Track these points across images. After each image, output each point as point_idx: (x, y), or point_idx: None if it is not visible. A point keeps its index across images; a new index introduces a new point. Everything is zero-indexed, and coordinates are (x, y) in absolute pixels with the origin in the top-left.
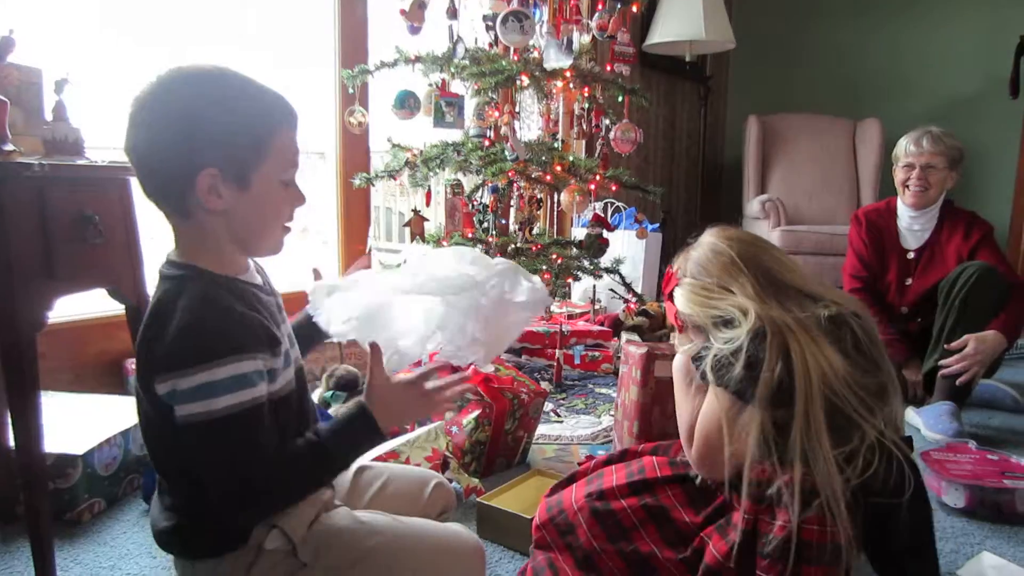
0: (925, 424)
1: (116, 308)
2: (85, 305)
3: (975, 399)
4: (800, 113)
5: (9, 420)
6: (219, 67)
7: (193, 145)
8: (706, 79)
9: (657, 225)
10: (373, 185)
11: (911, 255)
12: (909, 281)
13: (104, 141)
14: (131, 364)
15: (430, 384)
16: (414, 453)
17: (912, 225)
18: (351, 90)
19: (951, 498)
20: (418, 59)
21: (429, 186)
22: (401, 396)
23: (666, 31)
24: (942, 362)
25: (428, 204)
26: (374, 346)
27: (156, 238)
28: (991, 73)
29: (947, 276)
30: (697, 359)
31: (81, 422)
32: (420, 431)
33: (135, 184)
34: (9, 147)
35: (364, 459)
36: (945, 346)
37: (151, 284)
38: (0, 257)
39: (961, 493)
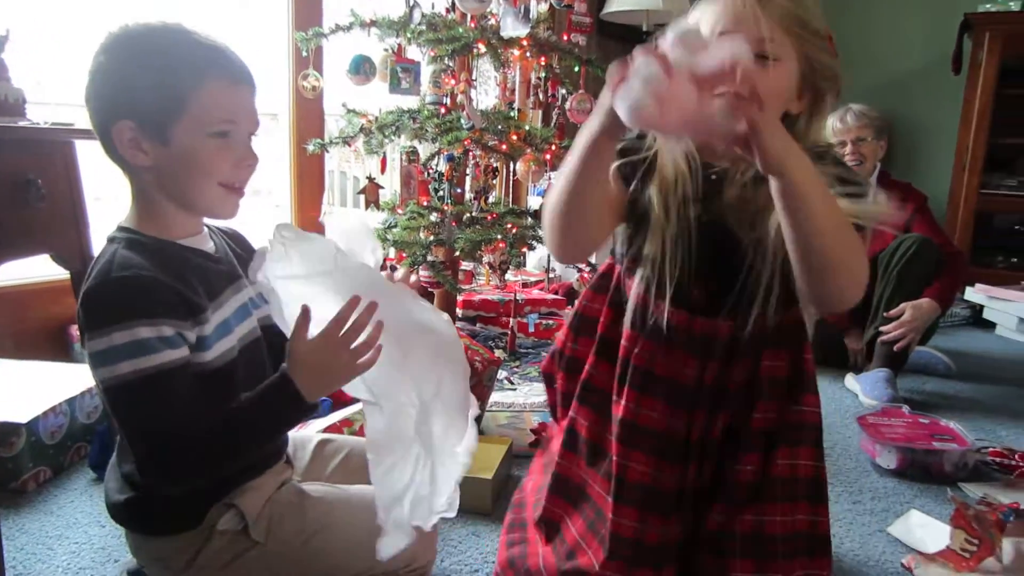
0: (863, 390)
1: (59, 273)
2: (27, 270)
3: (911, 365)
4: None
5: None
6: (164, 22)
7: (110, 98)
8: None
9: None
10: (327, 151)
11: None
12: None
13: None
14: (76, 330)
15: (345, 330)
16: None
17: None
18: (305, 53)
19: (884, 460)
20: (374, 23)
21: (384, 153)
22: (319, 353)
23: (624, 0)
24: (881, 328)
25: (383, 171)
26: (304, 308)
27: (102, 199)
28: (935, 50)
29: (886, 248)
30: None
31: (25, 390)
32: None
33: (80, 146)
34: None
35: (313, 428)
36: (884, 314)
37: (97, 248)
38: None
39: (893, 455)
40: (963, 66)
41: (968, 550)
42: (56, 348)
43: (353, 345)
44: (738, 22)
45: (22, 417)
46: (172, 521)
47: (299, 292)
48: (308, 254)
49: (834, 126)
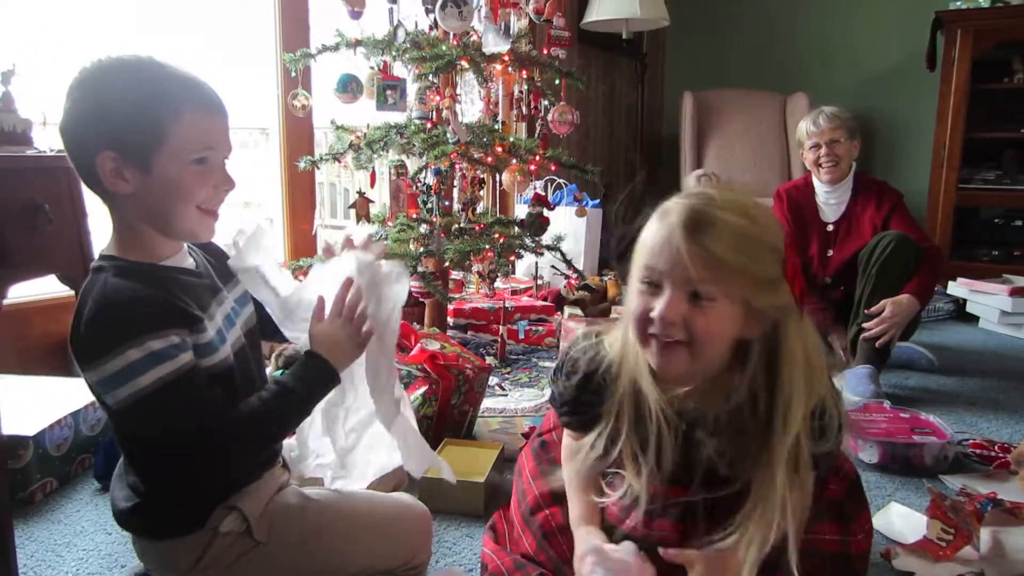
0: (847, 386)
1: (59, 290)
2: (29, 288)
3: (894, 361)
4: (733, 88)
5: None
6: (137, 56)
7: (92, 130)
8: (643, 56)
9: (597, 201)
10: (318, 168)
11: (830, 228)
12: (830, 252)
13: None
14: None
15: (349, 309)
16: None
17: (828, 199)
18: (293, 73)
19: (866, 454)
20: (359, 43)
21: (373, 167)
22: (337, 332)
23: (603, 9)
24: (863, 325)
25: (373, 185)
26: (320, 297)
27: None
28: (910, 47)
29: (865, 246)
30: None
31: (31, 404)
32: None
33: None
34: None
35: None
36: (865, 311)
37: None
38: None
39: (875, 449)
40: (937, 63)
41: (945, 539)
42: (58, 363)
43: (362, 326)
44: (672, 264)
45: (29, 430)
46: (177, 525)
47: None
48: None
49: (807, 129)
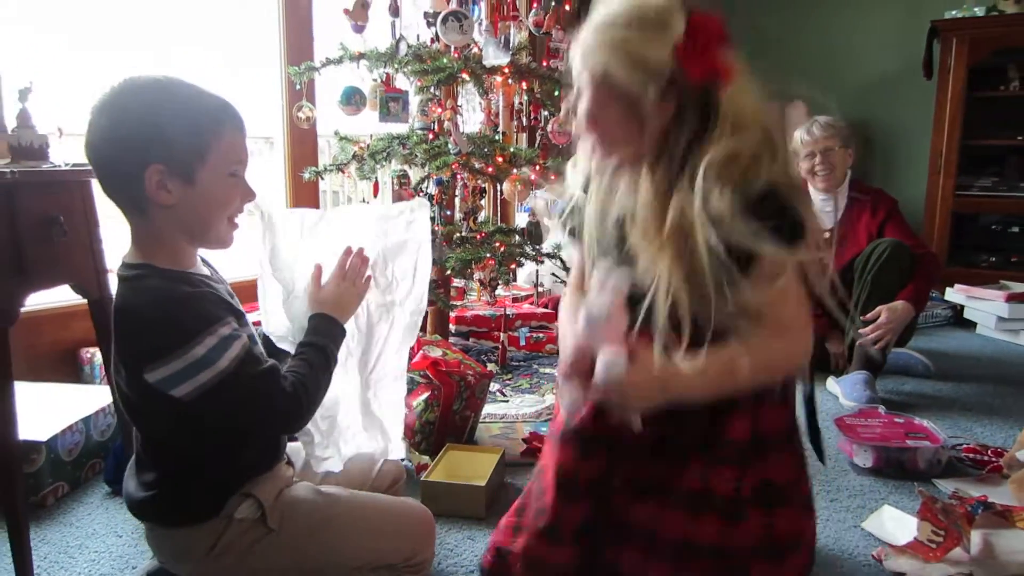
0: (842, 392)
1: (68, 299)
2: (38, 297)
3: (891, 367)
4: None
5: None
6: (168, 76)
7: (141, 144)
8: None
9: None
10: (322, 178)
11: (827, 235)
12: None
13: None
14: (87, 353)
15: (347, 270)
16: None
17: (824, 207)
18: (298, 86)
19: (861, 459)
20: (362, 56)
21: (376, 178)
22: (335, 292)
23: None
24: (860, 331)
25: (376, 195)
26: (317, 265)
27: (114, 234)
28: (907, 56)
29: (861, 253)
30: None
31: (42, 410)
32: None
33: (96, 184)
34: None
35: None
36: (860, 318)
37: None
38: None
39: (869, 454)
40: (934, 71)
41: (935, 541)
42: (67, 370)
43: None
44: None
45: (42, 435)
46: (193, 512)
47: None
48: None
49: (801, 138)
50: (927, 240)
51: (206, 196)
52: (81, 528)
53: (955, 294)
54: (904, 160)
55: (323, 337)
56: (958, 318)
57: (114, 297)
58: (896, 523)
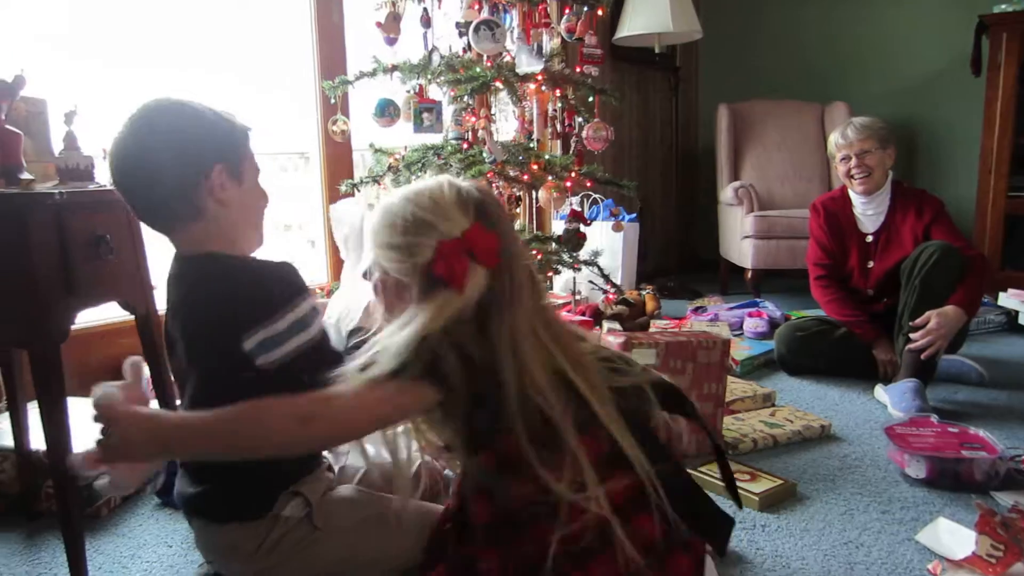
0: (890, 401)
1: (116, 316)
2: (87, 315)
3: (942, 374)
4: (769, 99)
5: (29, 424)
6: (170, 97)
7: (203, 147)
8: (676, 69)
9: (634, 215)
10: (358, 190)
11: (870, 238)
12: (871, 264)
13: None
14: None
15: None
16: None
17: (866, 210)
18: (332, 100)
19: (913, 469)
20: (395, 68)
21: None
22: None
23: (634, 24)
24: (910, 336)
25: None
26: None
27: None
28: (953, 52)
29: (909, 256)
30: None
31: (93, 424)
32: None
33: None
34: (26, 175)
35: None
36: (910, 323)
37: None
38: (27, 277)
39: (922, 464)
40: (983, 67)
41: (994, 556)
42: None
43: None
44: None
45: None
46: (245, 509)
47: None
48: None
49: (837, 141)
50: (978, 243)
51: (251, 194)
52: (133, 539)
53: (1009, 299)
54: (952, 160)
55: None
56: (1012, 324)
57: (175, 282)
58: (953, 536)
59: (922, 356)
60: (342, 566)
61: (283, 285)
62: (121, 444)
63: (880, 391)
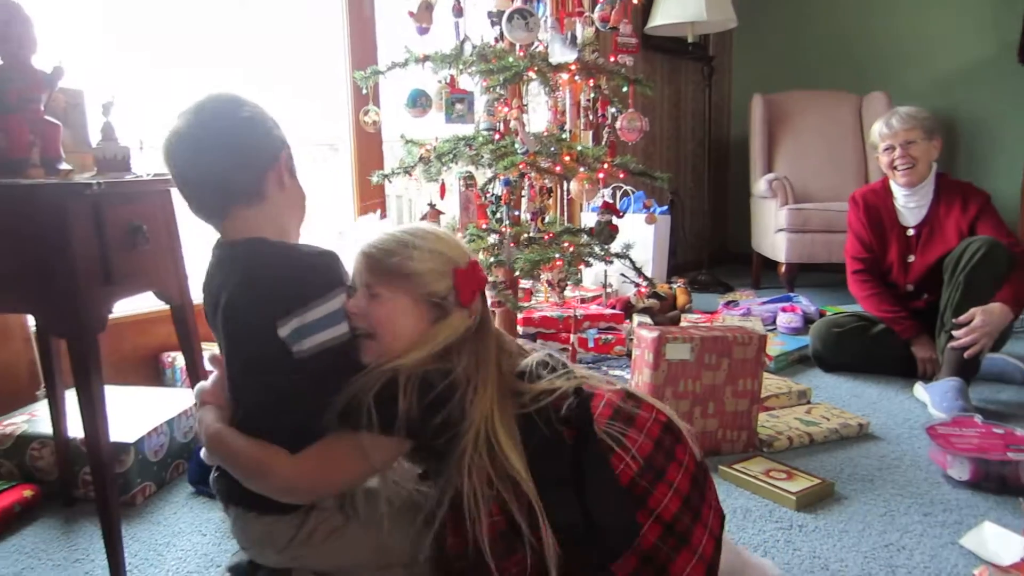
0: (931, 401)
1: (149, 306)
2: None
3: (985, 373)
4: (805, 90)
5: (67, 411)
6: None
7: (269, 136)
8: (709, 59)
9: (665, 208)
10: (390, 181)
11: (911, 232)
12: (911, 258)
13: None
14: (168, 358)
15: None
16: None
17: (908, 203)
18: (364, 91)
19: (956, 471)
20: (427, 58)
21: (443, 179)
22: None
23: (667, 13)
24: (954, 334)
25: (443, 197)
26: None
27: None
28: (998, 39)
29: (952, 252)
30: None
31: (129, 412)
32: None
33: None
34: (65, 166)
35: None
36: (952, 320)
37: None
38: (66, 266)
39: (966, 466)
40: None
41: None
42: (148, 374)
43: None
44: (353, 275)
45: (130, 437)
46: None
47: None
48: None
49: (880, 131)
50: (1022, 238)
51: (299, 185)
52: (168, 527)
53: None
54: (993, 152)
55: None
56: None
57: (217, 268)
58: (999, 541)
59: (965, 355)
60: (371, 556)
61: (321, 275)
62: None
63: (920, 389)
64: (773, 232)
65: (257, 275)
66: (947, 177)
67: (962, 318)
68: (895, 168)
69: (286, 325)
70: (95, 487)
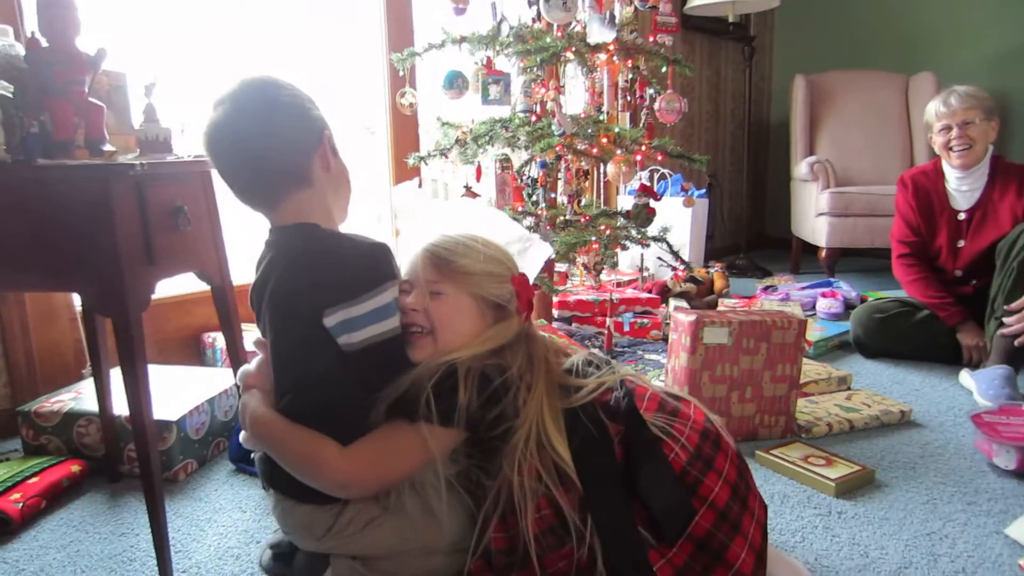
0: (978, 389)
1: (191, 287)
2: (164, 285)
3: None
4: (849, 70)
5: (112, 389)
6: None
7: (312, 118)
8: (750, 39)
9: (703, 191)
10: (426, 164)
11: (962, 216)
12: (961, 243)
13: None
14: (208, 338)
15: None
16: None
17: (960, 186)
18: (401, 72)
19: (1002, 460)
20: (464, 39)
21: (479, 162)
22: None
23: None
24: (1005, 320)
25: (479, 179)
26: None
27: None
28: None
29: (1006, 237)
30: None
31: (171, 391)
32: None
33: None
34: (108, 147)
35: None
36: (1004, 307)
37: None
38: (110, 246)
39: (1012, 455)
40: None
41: None
42: (190, 353)
43: None
44: (412, 273)
45: (172, 415)
46: (321, 492)
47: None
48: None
49: (937, 110)
50: None
51: (344, 166)
52: (209, 503)
53: None
54: None
55: None
56: None
57: (270, 253)
58: None
59: (1016, 342)
60: (406, 546)
61: (372, 269)
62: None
63: (966, 377)
64: (814, 216)
65: (306, 263)
66: (1003, 159)
67: (1014, 305)
68: (951, 149)
69: (332, 316)
70: (139, 464)
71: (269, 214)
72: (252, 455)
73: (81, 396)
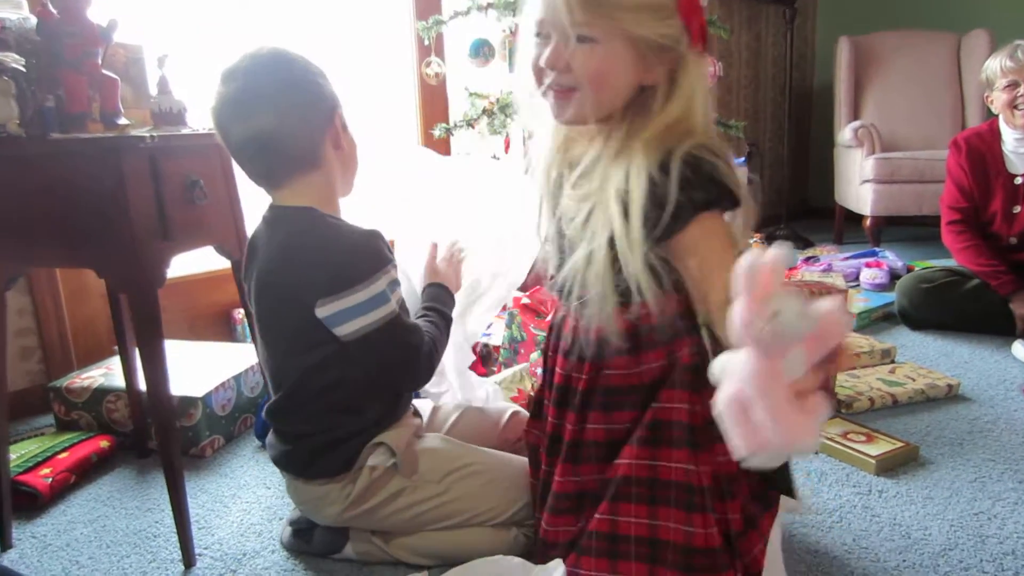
0: None
1: (221, 264)
2: (196, 262)
3: None
4: (896, 30)
5: (136, 366)
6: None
7: (323, 96)
8: (791, 1)
9: (743, 159)
10: (452, 134)
11: (1019, 180)
12: (1017, 209)
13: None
14: (238, 314)
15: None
16: (502, 394)
17: (1019, 147)
18: (427, 42)
19: None
20: (491, 5)
21: (508, 132)
22: (447, 268)
23: None
24: None
25: (507, 151)
26: (433, 244)
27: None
28: None
29: None
30: None
31: (198, 367)
32: (507, 373)
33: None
34: (123, 120)
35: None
36: None
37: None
38: (124, 222)
39: None
40: None
41: None
42: (221, 330)
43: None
44: (553, 12)
45: (198, 391)
46: (330, 466)
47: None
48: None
49: (1003, 64)
50: None
51: (354, 142)
52: (234, 479)
53: None
54: None
55: (443, 304)
56: None
57: (265, 233)
58: None
59: None
60: (427, 516)
61: (365, 258)
62: None
63: (1019, 348)
64: (858, 184)
65: (304, 253)
66: None
67: None
68: (1016, 107)
69: (325, 307)
70: (158, 439)
71: (271, 191)
72: (267, 439)
73: (111, 372)
